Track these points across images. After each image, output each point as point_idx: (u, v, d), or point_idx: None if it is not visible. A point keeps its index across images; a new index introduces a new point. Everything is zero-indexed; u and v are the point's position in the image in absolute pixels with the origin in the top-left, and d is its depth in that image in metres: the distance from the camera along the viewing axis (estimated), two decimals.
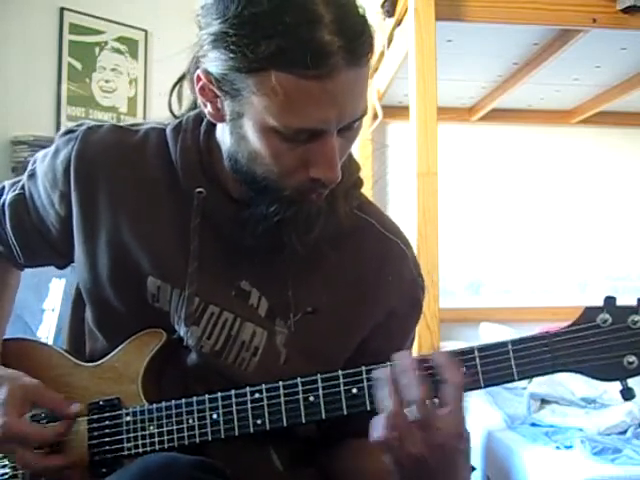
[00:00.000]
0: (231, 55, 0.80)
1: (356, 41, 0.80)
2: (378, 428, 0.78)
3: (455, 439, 0.79)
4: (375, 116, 3.01)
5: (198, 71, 0.87)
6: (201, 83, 0.87)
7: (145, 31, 3.26)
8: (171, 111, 1.02)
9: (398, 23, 2.35)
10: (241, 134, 0.87)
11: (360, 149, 3.19)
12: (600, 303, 0.81)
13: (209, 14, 0.83)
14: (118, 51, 3.22)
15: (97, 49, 3.18)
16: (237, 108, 0.85)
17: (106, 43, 3.19)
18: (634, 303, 0.80)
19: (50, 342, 1.73)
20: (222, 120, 0.90)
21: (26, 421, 0.95)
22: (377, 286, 1.00)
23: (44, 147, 1.09)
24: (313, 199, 0.91)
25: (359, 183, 1.04)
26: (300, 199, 0.90)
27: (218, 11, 0.81)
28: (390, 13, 2.38)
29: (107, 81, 3.20)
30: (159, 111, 1.03)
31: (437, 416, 0.78)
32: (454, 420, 0.79)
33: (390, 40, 2.52)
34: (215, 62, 0.83)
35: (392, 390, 0.79)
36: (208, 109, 0.90)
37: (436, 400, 0.81)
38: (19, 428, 0.94)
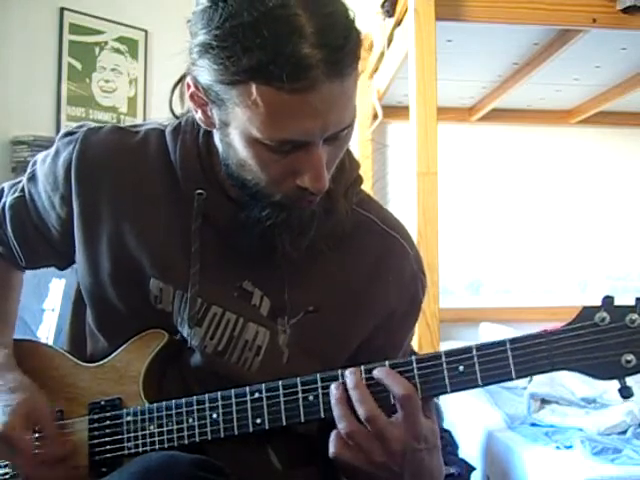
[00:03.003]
0: (214, 67, 0.81)
1: (338, 53, 0.79)
2: (336, 445, 0.84)
3: (412, 442, 0.83)
4: (375, 116, 3.02)
5: (188, 78, 0.87)
6: (191, 90, 0.88)
7: (145, 31, 3.26)
8: (172, 111, 1.02)
9: (398, 23, 2.36)
10: (229, 142, 0.88)
11: (360, 149, 3.19)
12: (600, 303, 0.81)
13: (196, 23, 0.83)
14: (118, 51, 3.22)
15: (97, 49, 3.18)
16: (223, 117, 0.85)
17: (106, 43, 3.19)
18: (633, 302, 0.80)
19: (50, 342, 1.73)
20: (212, 126, 0.90)
21: (24, 433, 0.95)
22: (378, 285, 1.00)
23: (44, 147, 1.09)
24: (304, 206, 0.91)
25: (359, 180, 1.04)
26: (291, 205, 0.90)
27: (203, 22, 0.81)
28: (390, 13, 2.38)
29: (107, 81, 3.20)
30: (159, 111, 1.03)
31: (389, 427, 0.83)
32: (407, 427, 0.83)
33: (390, 40, 2.52)
34: (202, 71, 0.83)
35: (345, 410, 0.84)
36: (199, 115, 0.91)
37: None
38: (16, 437, 0.94)
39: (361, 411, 0.83)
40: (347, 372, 0.86)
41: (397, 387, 0.83)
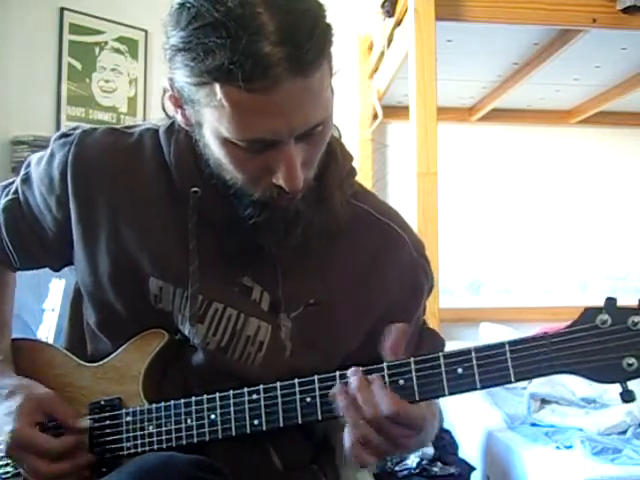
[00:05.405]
0: (183, 68, 0.81)
1: (301, 50, 0.78)
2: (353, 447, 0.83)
3: (414, 433, 0.85)
4: (375, 116, 3.02)
5: (166, 80, 0.88)
6: (168, 92, 0.89)
7: (145, 31, 3.25)
8: (164, 110, 1.02)
9: (398, 23, 2.36)
10: (205, 143, 0.88)
11: (360, 149, 3.19)
12: (600, 303, 0.80)
13: (168, 25, 0.83)
14: (118, 51, 3.22)
15: (97, 49, 3.18)
16: (197, 118, 0.86)
17: (106, 43, 3.19)
18: (634, 303, 0.79)
19: (50, 342, 1.73)
20: (191, 127, 0.91)
21: (36, 430, 0.96)
22: (376, 276, 1.01)
23: (44, 147, 1.09)
24: (284, 204, 0.90)
25: (353, 172, 1.05)
26: (272, 204, 0.90)
27: (172, 24, 0.82)
28: (390, 13, 2.39)
29: (107, 81, 3.20)
30: (159, 111, 1.03)
31: (394, 428, 0.83)
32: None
33: (390, 40, 2.53)
34: (175, 73, 0.84)
35: (354, 414, 0.83)
36: (178, 116, 0.91)
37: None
38: (29, 436, 0.95)
39: (367, 414, 0.82)
40: (349, 373, 0.85)
41: (385, 407, 0.82)
